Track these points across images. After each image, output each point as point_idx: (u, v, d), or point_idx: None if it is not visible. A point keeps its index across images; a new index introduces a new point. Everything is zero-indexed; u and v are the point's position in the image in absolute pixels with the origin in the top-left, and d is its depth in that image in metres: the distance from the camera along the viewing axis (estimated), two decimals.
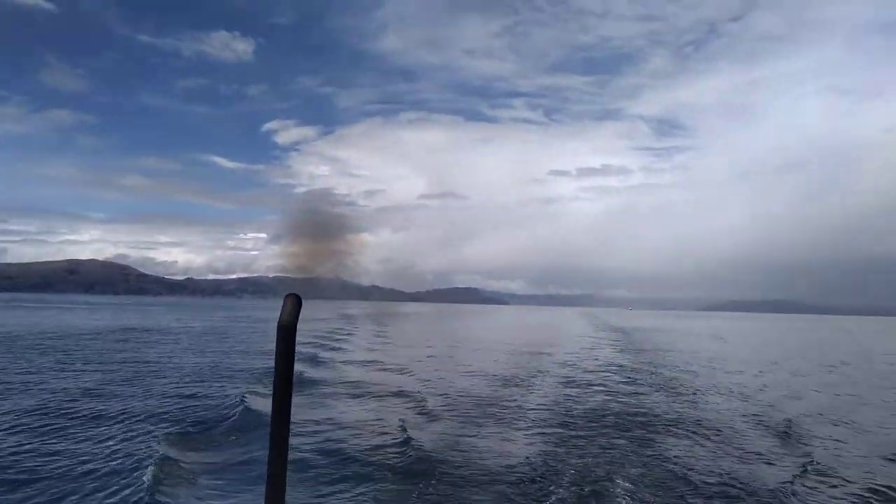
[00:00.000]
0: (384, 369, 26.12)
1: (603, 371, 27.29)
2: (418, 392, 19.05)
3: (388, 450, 12.03)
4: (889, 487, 10.50)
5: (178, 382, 20.25)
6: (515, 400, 18.57)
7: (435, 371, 25.54)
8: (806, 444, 13.56)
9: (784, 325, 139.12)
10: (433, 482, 10.09)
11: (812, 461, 11.93)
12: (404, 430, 13.53)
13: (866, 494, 10.13)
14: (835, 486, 10.50)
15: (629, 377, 25.17)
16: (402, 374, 24.65)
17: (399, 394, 19.15)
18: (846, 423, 16.40)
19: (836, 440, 14.14)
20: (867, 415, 17.78)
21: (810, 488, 10.32)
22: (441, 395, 19.13)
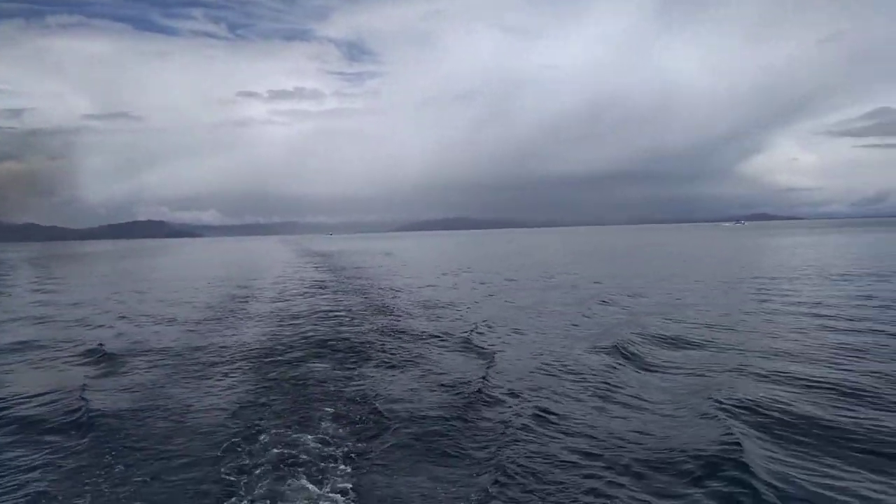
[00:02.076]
0: (51, 323, 22.23)
1: (305, 298, 27.45)
2: (99, 347, 16.63)
3: (61, 422, 10.24)
4: (550, 389, 12.71)
5: None
6: (218, 341, 17.46)
7: (119, 320, 22.63)
8: (486, 353, 14.98)
9: (466, 240, 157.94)
10: (121, 451, 8.90)
11: (492, 366, 13.60)
12: (83, 396, 11.67)
13: (534, 395, 12.07)
14: (512, 390, 12.25)
15: (331, 303, 25.76)
16: (76, 327, 21.26)
17: (75, 352, 16.46)
18: (514, 328, 18.95)
19: (509, 346, 16.04)
20: (530, 320, 20.85)
21: (490, 395, 11.85)
22: (129, 346, 16.97)
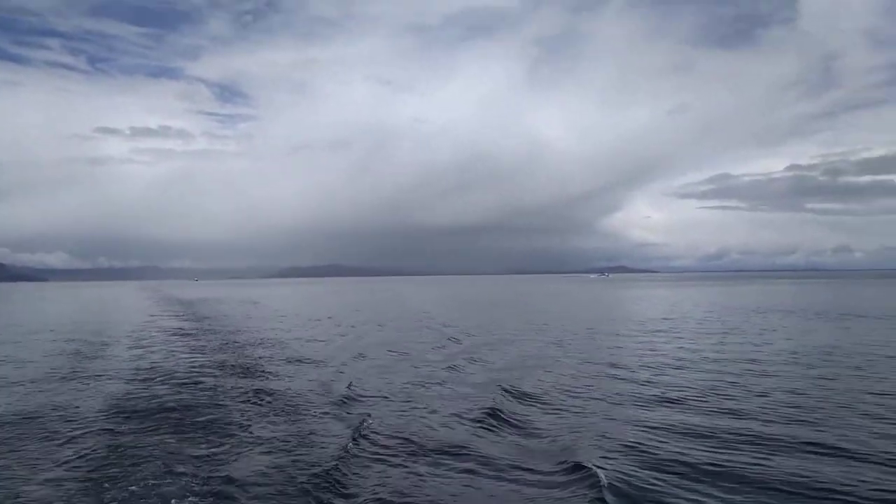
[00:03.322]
0: None
1: (162, 352, 25.43)
2: None
3: None
4: (430, 435, 12.53)
5: None
6: (59, 403, 15.57)
7: None
8: (354, 415, 14.50)
9: (341, 288, 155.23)
10: None
11: (366, 421, 13.28)
12: None
13: (414, 441, 11.88)
14: (384, 444, 11.97)
15: (191, 356, 24.09)
16: None
17: None
18: (386, 387, 18.29)
19: (379, 405, 15.61)
20: (403, 376, 20.25)
21: (364, 449, 11.50)
22: None
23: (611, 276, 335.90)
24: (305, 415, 14.32)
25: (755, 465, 10.28)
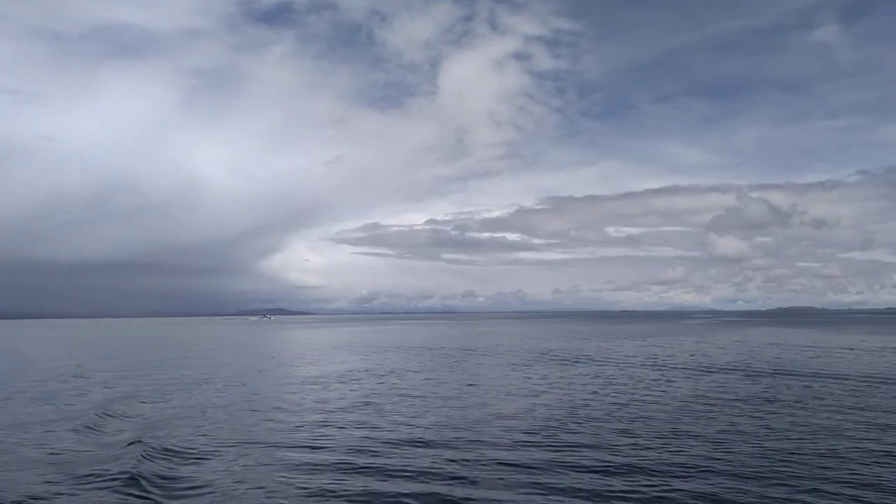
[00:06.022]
0: None
1: None
2: None
3: None
4: None
5: None
6: None
7: None
8: None
9: None
10: None
11: None
12: None
13: None
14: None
15: None
16: None
17: None
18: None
19: None
20: (17, 431, 16.95)
21: None
22: None
23: (273, 318, 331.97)
24: None
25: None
